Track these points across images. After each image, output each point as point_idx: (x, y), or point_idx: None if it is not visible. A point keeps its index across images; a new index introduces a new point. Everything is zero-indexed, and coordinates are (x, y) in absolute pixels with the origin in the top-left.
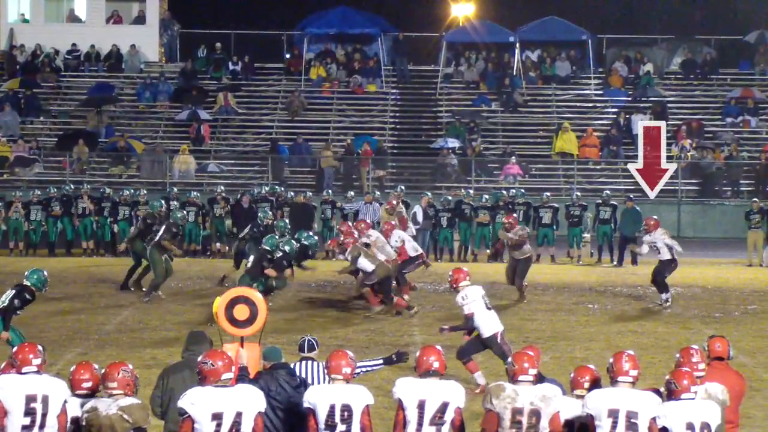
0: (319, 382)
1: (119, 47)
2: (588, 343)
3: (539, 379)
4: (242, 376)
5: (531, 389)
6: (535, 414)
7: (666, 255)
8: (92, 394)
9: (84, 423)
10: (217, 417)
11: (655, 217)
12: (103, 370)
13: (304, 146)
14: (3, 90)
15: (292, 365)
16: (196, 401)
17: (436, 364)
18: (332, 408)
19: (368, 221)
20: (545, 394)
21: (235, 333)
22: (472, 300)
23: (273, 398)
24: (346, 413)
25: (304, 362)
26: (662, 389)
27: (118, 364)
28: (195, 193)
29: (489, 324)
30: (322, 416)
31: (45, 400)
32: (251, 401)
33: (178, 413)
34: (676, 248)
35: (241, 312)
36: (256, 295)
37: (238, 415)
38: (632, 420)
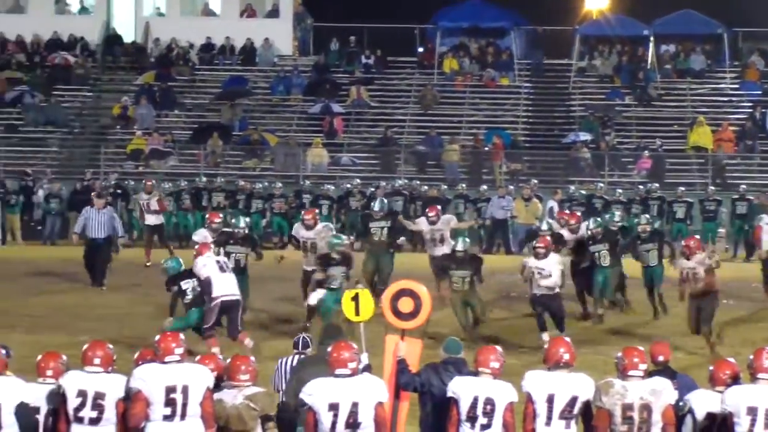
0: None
1: (253, 41)
2: (724, 338)
3: (671, 374)
4: (401, 369)
5: (640, 384)
6: (646, 408)
7: None
8: (217, 384)
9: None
10: (334, 407)
11: None
12: (228, 361)
13: (436, 140)
14: (138, 83)
15: (286, 359)
16: (313, 392)
17: (566, 357)
18: (475, 400)
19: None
20: (655, 388)
21: (398, 325)
22: None
23: (432, 393)
24: (488, 407)
25: (296, 357)
26: None
27: (244, 357)
28: (328, 186)
29: None
30: (464, 407)
31: (185, 391)
32: (370, 391)
33: (300, 404)
34: None
35: (406, 305)
36: (422, 289)
37: (355, 405)
38: None
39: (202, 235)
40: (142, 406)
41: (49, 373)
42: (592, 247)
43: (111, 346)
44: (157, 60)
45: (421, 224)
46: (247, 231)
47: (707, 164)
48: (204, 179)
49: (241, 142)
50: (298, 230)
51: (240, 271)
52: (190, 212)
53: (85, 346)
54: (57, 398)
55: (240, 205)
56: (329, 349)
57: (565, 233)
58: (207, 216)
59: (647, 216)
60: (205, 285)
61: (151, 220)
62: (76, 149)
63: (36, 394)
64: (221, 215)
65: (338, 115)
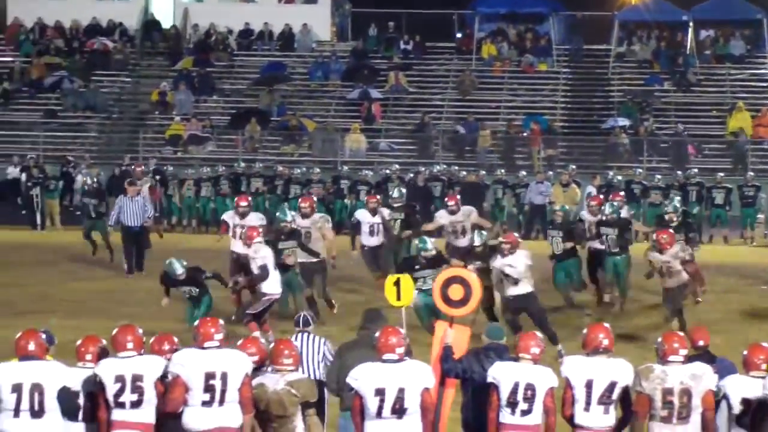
0: (315, 355)
1: (291, 26)
2: (761, 324)
3: (711, 358)
4: (446, 355)
5: (680, 369)
6: (686, 393)
7: None
8: (258, 368)
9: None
10: (380, 392)
11: None
12: (271, 345)
13: (474, 125)
14: (177, 69)
15: (291, 338)
16: (360, 377)
17: (605, 342)
18: (516, 385)
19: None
20: (695, 373)
21: (448, 312)
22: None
23: (473, 378)
24: (529, 392)
25: (300, 335)
26: None
27: (287, 341)
28: (366, 172)
29: None
30: (504, 393)
31: (224, 377)
32: (416, 377)
33: (347, 389)
34: None
35: (456, 292)
36: (472, 277)
37: (401, 390)
38: None
39: (258, 217)
40: (181, 391)
41: (89, 357)
42: (602, 230)
43: (141, 329)
44: (196, 45)
45: (441, 217)
46: (293, 225)
47: (746, 150)
48: (242, 165)
49: (280, 127)
50: (295, 218)
51: (287, 268)
52: (228, 198)
53: (115, 332)
54: (94, 385)
55: (278, 191)
56: (376, 334)
57: (587, 216)
58: (235, 199)
59: (676, 204)
60: (262, 275)
61: None
62: (115, 135)
63: (76, 379)
64: (249, 199)
65: (376, 100)
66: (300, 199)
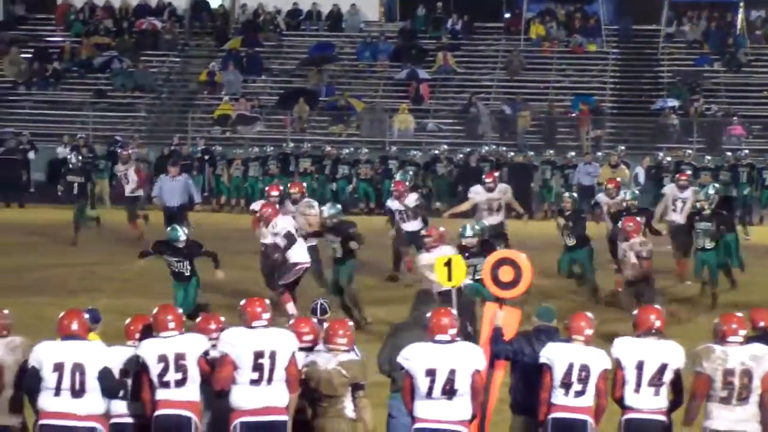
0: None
1: (340, 6)
2: None
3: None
4: (496, 337)
5: (741, 349)
6: (747, 374)
7: None
8: (311, 348)
9: (303, 377)
10: (431, 373)
11: None
12: (325, 325)
13: (521, 106)
14: (225, 49)
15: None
16: (411, 357)
17: (657, 323)
18: (570, 366)
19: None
20: (755, 354)
21: (498, 294)
22: None
23: (524, 361)
24: (583, 373)
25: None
26: None
27: (343, 320)
28: (414, 152)
29: None
30: (558, 374)
31: (272, 356)
32: (468, 359)
33: (398, 369)
34: None
35: (506, 274)
36: (522, 258)
37: (452, 372)
38: None
39: (308, 204)
40: (229, 369)
41: (138, 336)
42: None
43: (181, 309)
44: (244, 26)
45: (477, 194)
46: (335, 220)
47: None
48: (291, 145)
49: (328, 107)
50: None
51: (338, 261)
52: (276, 178)
53: (154, 311)
54: (137, 365)
55: (326, 171)
56: (426, 314)
57: (603, 198)
58: (266, 188)
59: (709, 191)
60: (289, 242)
61: (128, 192)
62: (164, 115)
63: (119, 358)
64: (281, 188)
65: (424, 81)
66: (289, 184)
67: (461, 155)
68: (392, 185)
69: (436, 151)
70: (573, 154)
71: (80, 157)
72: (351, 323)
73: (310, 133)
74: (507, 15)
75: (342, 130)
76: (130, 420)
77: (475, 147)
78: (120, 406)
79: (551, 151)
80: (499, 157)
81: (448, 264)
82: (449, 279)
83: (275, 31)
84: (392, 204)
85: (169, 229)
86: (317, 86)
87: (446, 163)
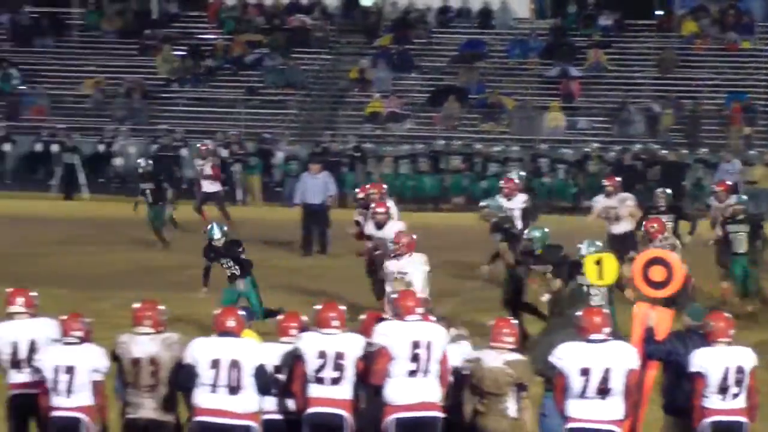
0: None
1: (489, 4)
2: None
3: None
4: (649, 337)
5: None
6: None
7: None
8: None
9: (467, 372)
10: (585, 372)
11: None
12: (491, 323)
13: (673, 103)
14: (375, 46)
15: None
16: (564, 356)
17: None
18: (726, 371)
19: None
20: None
21: (649, 294)
22: None
23: (678, 362)
24: (739, 375)
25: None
26: None
27: (508, 319)
28: (565, 150)
29: None
30: (715, 379)
31: (429, 347)
32: (622, 358)
33: (550, 368)
34: None
35: (657, 273)
36: (674, 258)
37: (607, 371)
38: None
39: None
40: (385, 362)
41: (293, 332)
42: (729, 227)
43: (344, 307)
44: (394, 23)
45: (598, 202)
46: (506, 212)
47: None
48: (441, 142)
49: (478, 105)
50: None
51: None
52: (426, 176)
53: (319, 308)
54: (292, 359)
55: (476, 169)
56: (578, 313)
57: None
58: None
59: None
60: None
61: (207, 186)
62: (315, 112)
63: (274, 355)
64: (388, 206)
65: (575, 78)
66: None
67: (612, 153)
68: (502, 182)
69: (587, 149)
70: (724, 152)
71: (150, 162)
72: (516, 322)
73: (460, 130)
74: (659, 12)
75: (492, 128)
76: (279, 417)
77: (627, 145)
78: (270, 403)
79: (704, 150)
80: (649, 156)
81: (598, 263)
82: (600, 277)
83: (425, 28)
84: (500, 202)
85: (207, 227)
86: (467, 84)
87: (597, 161)
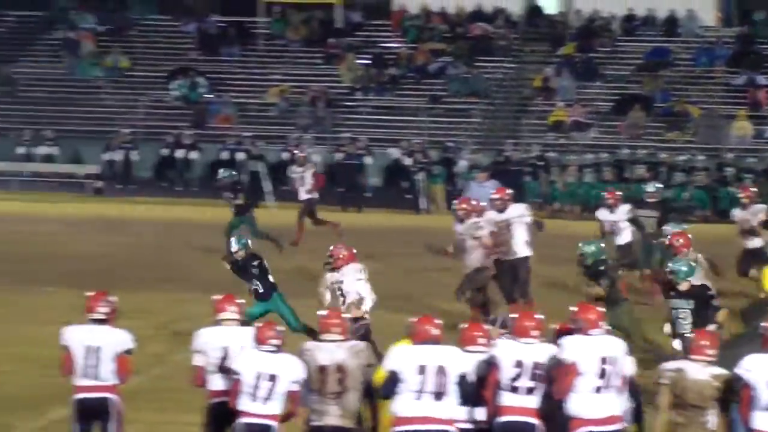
0: None
1: (675, 12)
2: None
3: None
4: None
5: None
6: None
7: None
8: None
9: (667, 382)
10: None
11: None
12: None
13: None
14: (560, 55)
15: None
16: (752, 367)
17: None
18: None
19: None
20: None
21: None
22: None
23: None
24: None
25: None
26: None
27: (708, 331)
28: (751, 160)
29: None
30: None
31: (613, 362)
32: None
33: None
34: None
35: None
36: None
37: None
38: None
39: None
40: (572, 378)
41: (481, 341)
42: None
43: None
44: (578, 31)
45: (736, 215)
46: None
47: None
48: (625, 151)
49: (663, 113)
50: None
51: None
52: (610, 184)
53: (515, 316)
54: (486, 367)
55: (661, 178)
56: (763, 324)
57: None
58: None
59: None
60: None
61: (302, 194)
62: (498, 120)
63: (472, 363)
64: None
65: (763, 87)
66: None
67: None
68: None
69: None
70: None
71: (233, 173)
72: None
73: (645, 139)
74: None
75: (678, 137)
76: (469, 426)
77: None
78: (461, 412)
79: None
80: None
81: None
82: None
83: (610, 36)
84: (602, 214)
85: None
86: (652, 92)
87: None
